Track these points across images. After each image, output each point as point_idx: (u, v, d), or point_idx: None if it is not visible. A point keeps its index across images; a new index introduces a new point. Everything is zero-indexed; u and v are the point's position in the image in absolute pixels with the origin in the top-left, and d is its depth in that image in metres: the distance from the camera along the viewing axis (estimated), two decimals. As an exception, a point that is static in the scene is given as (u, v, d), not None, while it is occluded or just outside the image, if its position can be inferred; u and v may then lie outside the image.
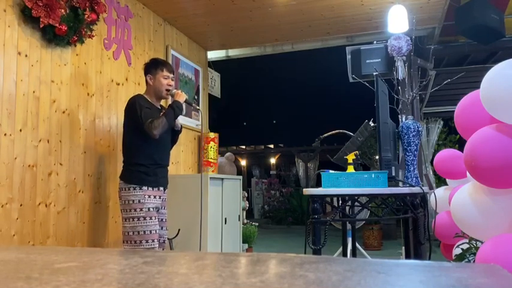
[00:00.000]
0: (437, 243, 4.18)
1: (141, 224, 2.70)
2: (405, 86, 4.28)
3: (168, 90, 2.93)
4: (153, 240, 2.71)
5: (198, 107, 3.25)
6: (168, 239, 3.24)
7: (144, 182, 2.76)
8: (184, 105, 2.99)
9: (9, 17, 2.67)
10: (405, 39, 3.56)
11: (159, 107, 2.99)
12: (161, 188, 2.87)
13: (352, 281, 0.56)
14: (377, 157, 4.31)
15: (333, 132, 3.23)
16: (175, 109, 2.84)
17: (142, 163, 2.79)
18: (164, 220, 2.95)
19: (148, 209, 2.74)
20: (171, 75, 2.95)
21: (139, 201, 2.73)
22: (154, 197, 2.80)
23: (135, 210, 2.71)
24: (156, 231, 2.75)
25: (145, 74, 2.95)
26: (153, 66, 2.93)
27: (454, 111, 2.50)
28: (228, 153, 5.40)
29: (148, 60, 3.08)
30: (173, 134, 3.08)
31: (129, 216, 2.72)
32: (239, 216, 4.68)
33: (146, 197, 2.75)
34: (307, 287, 0.52)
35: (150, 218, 2.73)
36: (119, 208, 2.84)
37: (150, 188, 2.78)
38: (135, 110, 2.76)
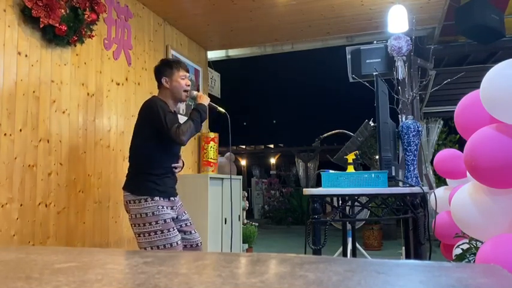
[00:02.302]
0: (437, 243, 4.18)
1: (159, 237, 2.41)
2: (405, 86, 4.28)
3: (186, 91, 2.67)
4: None
5: (223, 111, 2.88)
6: None
7: (155, 192, 2.49)
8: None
9: (9, 17, 2.67)
10: (405, 39, 3.57)
11: (175, 112, 2.74)
12: (172, 198, 2.61)
13: (352, 281, 0.56)
14: (377, 157, 4.31)
15: (333, 132, 3.23)
16: (201, 113, 2.57)
17: (153, 173, 2.53)
18: (189, 224, 2.69)
19: (165, 220, 2.45)
20: (188, 74, 2.70)
21: (153, 213, 2.44)
22: (167, 207, 2.52)
23: (150, 224, 2.43)
24: (177, 243, 2.46)
25: (160, 76, 2.66)
26: (167, 67, 2.66)
27: (454, 111, 2.50)
28: (228, 153, 5.41)
29: (158, 62, 2.78)
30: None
31: (144, 231, 2.43)
32: (239, 216, 4.68)
33: (160, 207, 2.47)
34: (307, 287, 0.52)
35: (168, 230, 2.44)
36: (129, 223, 2.54)
37: (162, 198, 2.51)
38: (158, 114, 2.47)
